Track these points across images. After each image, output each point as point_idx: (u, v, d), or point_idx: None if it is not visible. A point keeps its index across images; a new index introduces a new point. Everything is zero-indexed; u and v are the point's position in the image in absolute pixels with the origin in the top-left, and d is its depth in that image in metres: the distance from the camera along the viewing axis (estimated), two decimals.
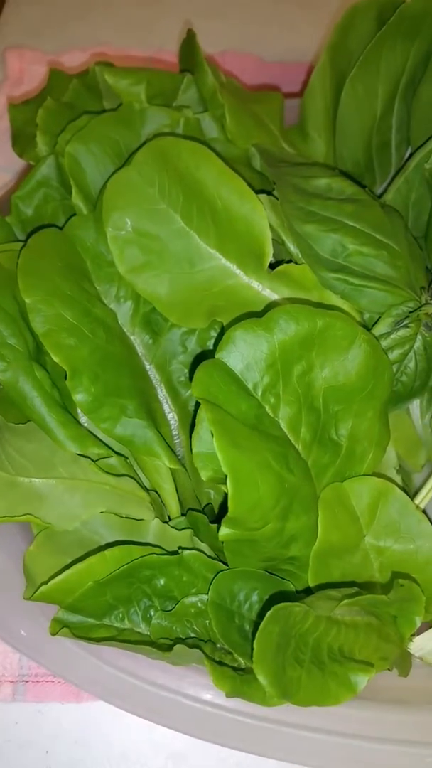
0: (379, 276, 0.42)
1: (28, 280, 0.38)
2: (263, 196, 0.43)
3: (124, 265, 0.41)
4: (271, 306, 0.40)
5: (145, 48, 0.78)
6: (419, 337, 0.42)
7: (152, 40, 0.79)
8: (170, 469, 0.41)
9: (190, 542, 0.40)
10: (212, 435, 0.33)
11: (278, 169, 0.46)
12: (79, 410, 0.40)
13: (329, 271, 0.42)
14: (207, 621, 0.37)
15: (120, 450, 0.41)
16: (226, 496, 0.39)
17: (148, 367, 0.43)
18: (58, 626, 0.36)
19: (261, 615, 0.36)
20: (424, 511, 0.40)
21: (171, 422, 0.43)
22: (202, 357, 0.42)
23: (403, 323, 0.42)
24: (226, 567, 0.37)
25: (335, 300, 0.42)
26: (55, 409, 0.39)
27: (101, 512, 0.39)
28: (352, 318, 0.39)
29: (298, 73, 0.73)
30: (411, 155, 0.52)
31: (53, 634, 0.36)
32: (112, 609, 0.37)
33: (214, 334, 0.43)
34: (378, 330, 0.42)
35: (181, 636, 0.37)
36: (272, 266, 0.42)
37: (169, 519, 0.42)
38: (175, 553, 0.38)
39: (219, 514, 0.41)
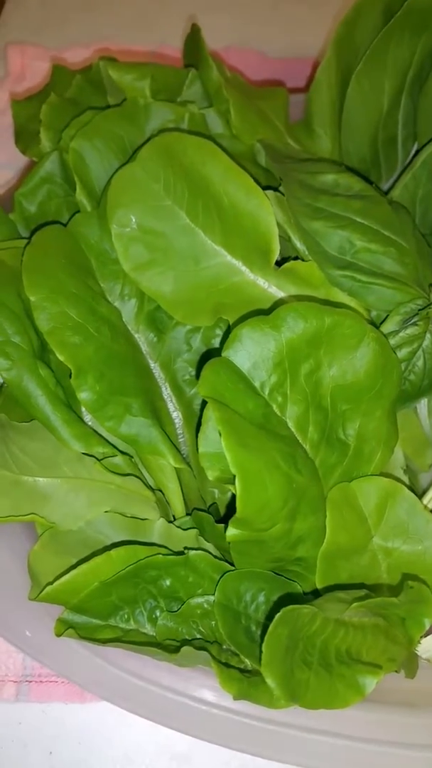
0: (387, 273, 0.42)
1: (32, 277, 0.38)
2: (269, 192, 0.43)
3: (129, 262, 0.41)
4: (277, 304, 0.39)
5: (146, 43, 0.78)
6: (428, 335, 0.41)
7: (154, 35, 0.78)
8: (175, 468, 0.40)
9: (196, 542, 0.39)
10: (220, 435, 0.32)
11: (284, 165, 0.46)
12: (83, 409, 0.40)
13: (336, 268, 0.42)
14: (213, 622, 0.37)
15: (125, 449, 0.41)
16: (232, 496, 0.39)
17: (152, 365, 0.43)
18: (64, 627, 0.35)
19: (268, 616, 0.36)
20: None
21: (175, 421, 0.43)
22: (209, 356, 0.41)
23: (412, 321, 0.41)
24: (232, 567, 0.37)
25: (342, 297, 0.42)
26: (60, 408, 0.38)
27: (106, 512, 0.39)
28: (360, 316, 0.39)
29: (300, 69, 0.73)
30: (418, 151, 0.51)
31: (58, 634, 0.35)
32: (117, 610, 0.36)
33: (219, 332, 0.43)
34: (386, 328, 0.41)
35: (187, 637, 0.36)
36: (278, 263, 0.42)
37: (174, 519, 0.41)
38: (180, 553, 0.38)
39: (225, 514, 0.41)
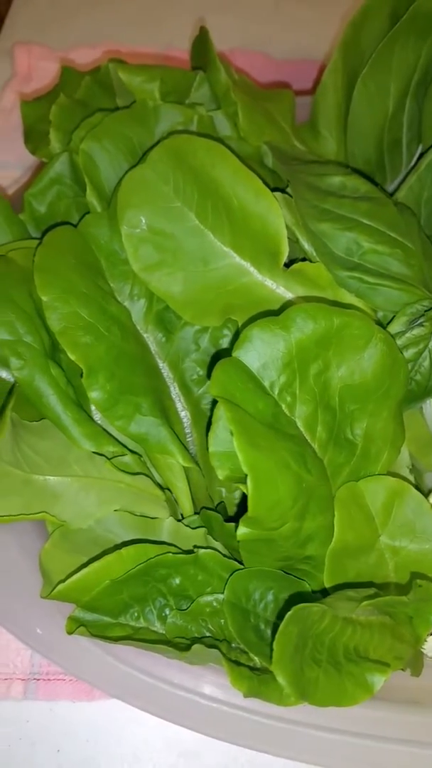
0: (393, 274, 0.42)
1: (44, 277, 0.38)
2: (277, 194, 0.43)
3: (138, 263, 0.41)
4: (286, 305, 0.40)
5: (153, 45, 0.78)
6: None
7: (161, 36, 0.79)
8: (183, 467, 0.40)
9: (204, 540, 0.40)
10: (231, 434, 0.32)
11: (291, 167, 0.46)
12: (93, 408, 0.40)
13: (344, 269, 0.42)
14: (222, 620, 0.37)
15: (134, 448, 0.41)
16: (242, 495, 0.39)
17: (161, 365, 0.43)
18: (75, 625, 0.36)
19: (278, 615, 0.36)
20: None
21: (184, 420, 0.43)
22: (219, 356, 0.42)
23: (418, 322, 0.42)
24: (241, 566, 0.37)
25: (350, 298, 0.42)
26: (71, 407, 0.39)
27: (115, 510, 0.39)
28: (368, 317, 0.39)
29: (305, 71, 0.73)
30: (422, 154, 0.52)
31: (70, 632, 0.35)
32: (128, 608, 0.37)
33: (227, 332, 0.43)
34: (392, 329, 0.42)
35: (196, 635, 0.37)
36: (286, 264, 0.42)
37: (182, 517, 0.41)
38: (190, 552, 0.38)
39: (236, 513, 0.41)
